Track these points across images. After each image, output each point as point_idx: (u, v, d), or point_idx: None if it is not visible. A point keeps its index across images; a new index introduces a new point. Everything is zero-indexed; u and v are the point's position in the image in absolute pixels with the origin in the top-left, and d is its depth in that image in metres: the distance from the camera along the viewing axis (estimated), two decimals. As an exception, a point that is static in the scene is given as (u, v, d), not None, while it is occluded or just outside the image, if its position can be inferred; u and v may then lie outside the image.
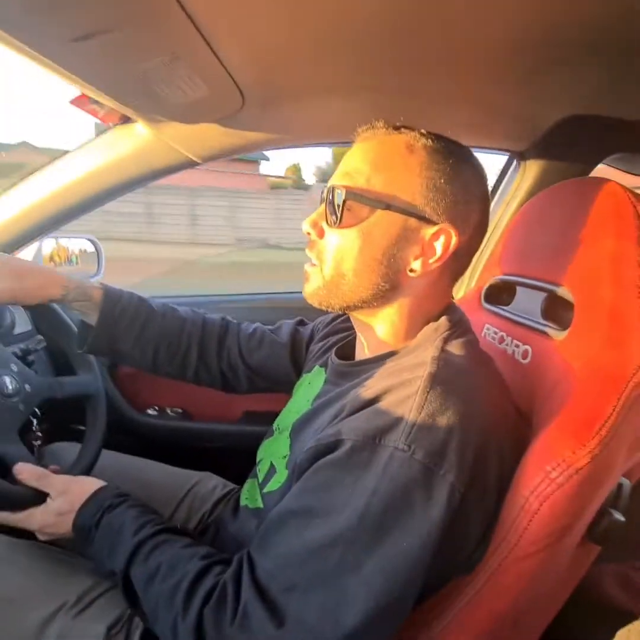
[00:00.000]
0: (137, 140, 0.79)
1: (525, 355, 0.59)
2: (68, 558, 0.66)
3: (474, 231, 0.52)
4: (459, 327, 0.52)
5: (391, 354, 0.52)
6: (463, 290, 1.06)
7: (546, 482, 0.37)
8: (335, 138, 0.92)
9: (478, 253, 1.00)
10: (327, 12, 0.51)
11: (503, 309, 0.68)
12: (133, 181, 0.84)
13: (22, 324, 0.97)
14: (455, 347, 0.49)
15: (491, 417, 0.45)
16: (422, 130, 0.50)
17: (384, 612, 0.39)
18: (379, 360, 0.52)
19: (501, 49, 0.58)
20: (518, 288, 0.66)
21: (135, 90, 0.62)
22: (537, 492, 0.37)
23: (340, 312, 0.67)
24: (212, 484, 0.86)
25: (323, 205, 0.52)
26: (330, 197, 0.50)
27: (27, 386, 0.70)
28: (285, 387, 0.76)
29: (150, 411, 1.11)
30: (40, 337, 0.94)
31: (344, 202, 0.49)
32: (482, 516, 0.42)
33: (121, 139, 0.80)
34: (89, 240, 1.26)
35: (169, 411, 1.12)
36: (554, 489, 0.36)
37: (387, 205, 0.48)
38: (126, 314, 0.71)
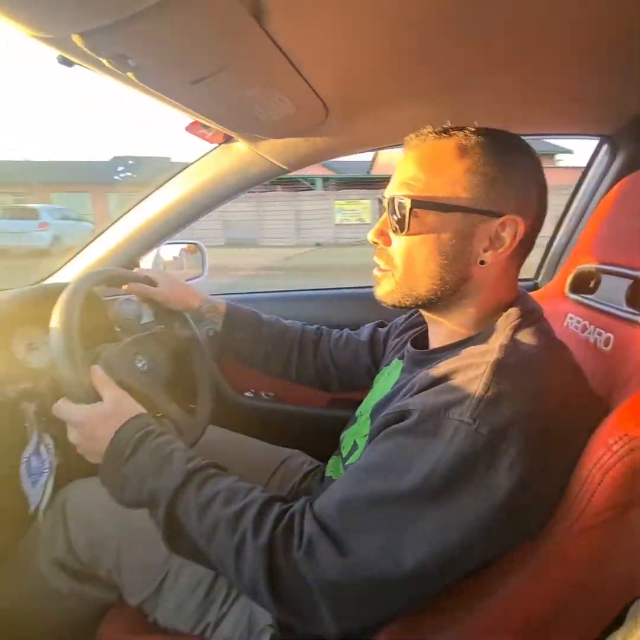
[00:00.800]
0: (237, 155, 0.92)
1: (607, 342, 0.58)
2: None
3: (535, 217, 0.53)
4: (531, 316, 0.53)
5: (464, 342, 0.54)
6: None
7: (608, 454, 0.38)
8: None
9: (561, 243, 0.97)
10: (402, 22, 0.55)
11: (587, 298, 0.67)
12: (234, 190, 0.97)
13: (147, 316, 1.16)
14: (526, 335, 0.50)
15: (559, 401, 0.45)
16: (472, 128, 0.51)
17: (439, 566, 0.42)
18: (452, 348, 0.55)
19: (592, 37, 0.58)
20: (603, 276, 0.64)
21: (237, 115, 0.73)
22: (599, 464, 0.38)
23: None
24: (300, 460, 0.96)
25: (385, 214, 0.54)
26: (393, 207, 0.52)
27: (156, 353, 0.85)
28: (367, 382, 0.83)
29: (247, 394, 1.25)
30: (161, 326, 1.11)
31: (410, 210, 0.51)
32: (545, 493, 0.43)
33: (224, 156, 0.93)
34: (196, 244, 1.44)
35: (263, 394, 1.25)
36: (615, 461, 0.37)
37: (450, 207, 0.50)
38: (244, 321, 0.90)
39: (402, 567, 0.42)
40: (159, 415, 0.90)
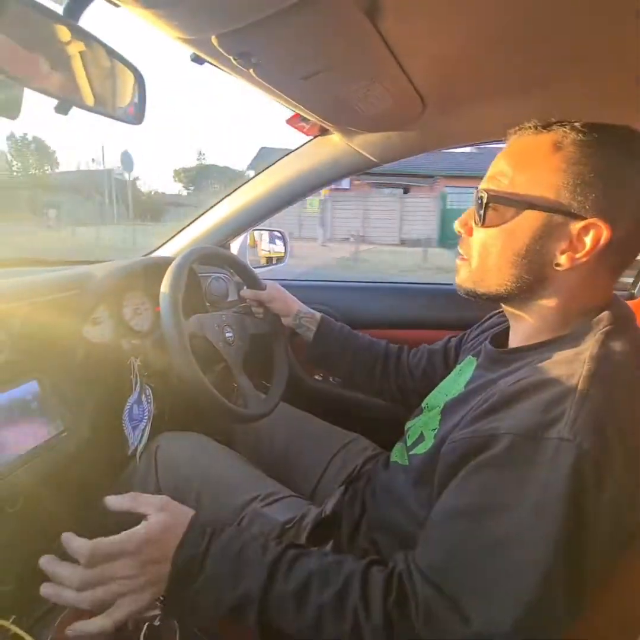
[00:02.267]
0: (331, 147, 0.96)
1: None
2: (252, 466, 0.87)
3: (633, 223, 0.49)
4: (623, 322, 0.51)
5: (545, 344, 0.53)
6: None
7: None
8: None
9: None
10: (500, 13, 0.55)
11: None
12: (325, 181, 1.02)
13: (232, 294, 1.26)
14: (618, 343, 0.47)
15: None
16: (576, 124, 0.49)
17: (571, 602, 0.39)
18: (532, 349, 0.54)
19: None
20: None
21: (338, 109, 0.77)
22: None
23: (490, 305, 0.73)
24: (363, 444, 0.99)
25: (473, 206, 0.56)
26: (477, 200, 0.54)
27: (240, 331, 0.95)
28: None
29: (316, 377, 1.31)
30: (246, 304, 1.21)
31: (487, 204, 0.52)
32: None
33: (319, 148, 0.99)
34: (279, 233, 1.52)
35: (331, 379, 1.30)
36: None
37: (530, 204, 0.50)
38: (335, 332, 0.97)
39: (533, 613, 0.38)
40: (234, 385, 0.99)
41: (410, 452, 0.68)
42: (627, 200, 0.49)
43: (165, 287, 0.75)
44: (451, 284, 1.36)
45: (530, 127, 0.53)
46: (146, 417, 0.86)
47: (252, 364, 0.95)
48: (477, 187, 0.56)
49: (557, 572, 0.38)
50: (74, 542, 0.49)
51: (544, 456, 0.40)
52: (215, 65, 0.63)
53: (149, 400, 0.85)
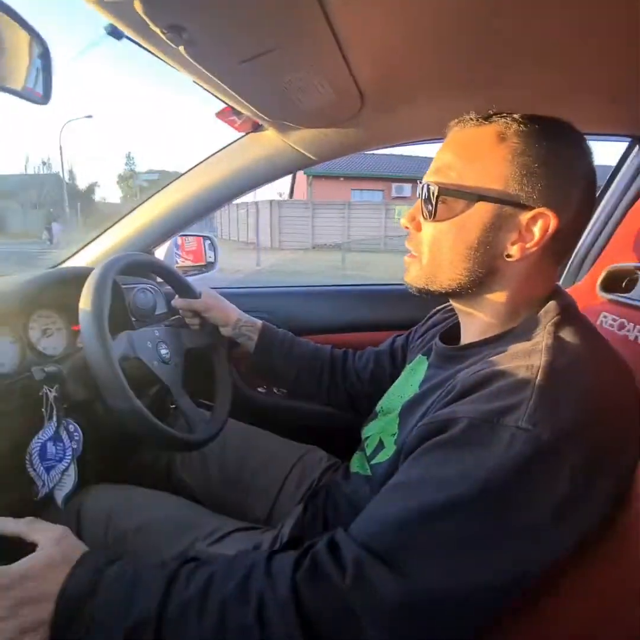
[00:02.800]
0: (265, 144, 0.91)
1: (650, 339, 0.58)
2: (194, 504, 0.78)
3: (577, 211, 0.50)
4: (569, 311, 0.52)
5: (499, 337, 0.53)
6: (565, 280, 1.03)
7: None
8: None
9: (586, 244, 0.97)
10: (447, 13, 0.55)
11: (622, 297, 0.67)
12: (259, 181, 0.95)
13: (161, 307, 1.14)
14: (569, 332, 0.48)
15: (615, 399, 0.44)
16: (516, 116, 0.50)
17: (505, 582, 0.39)
18: (485, 344, 0.54)
19: (630, 33, 0.58)
20: None
21: (276, 100, 0.72)
22: None
23: (439, 305, 0.74)
24: (319, 455, 0.95)
25: (419, 200, 0.54)
26: (425, 193, 0.52)
27: (175, 346, 0.85)
28: None
29: (260, 389, 1.23)
30: (178, 316, 1.10)
31: (437, 197, 0.51)
32: (606, 493, 0.42)
33: (251, 145, 0.92)
34: (208, 238, 1.43)
35: (275, 390, 1.23)
36: None
37: (480, 196, 0.49)
38: (278, 337, 0.92)
39: (468, 587, 0.39)
40: (173, 406, 0.89)
41: (372, 462, 0.66)
42: (570, 189, 0.50)
43: (86, 302, 0.64)
44: (392, 284, 1.39)
45: (471, 119, 0.53)
46: (69, 456, 0.72)
47: (190, 382, 0.86)
48: (419, 181, 0.54)
49: (493, 552, 0.39)
50: None
51: (499, 442, 0.40)
52: (136, 41, 0.54)
53: (76, 437, 0.72)
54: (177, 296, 0.93)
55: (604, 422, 0.42)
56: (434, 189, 0.51)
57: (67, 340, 0.90)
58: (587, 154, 0.51)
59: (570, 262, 1.03)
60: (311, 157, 0.92)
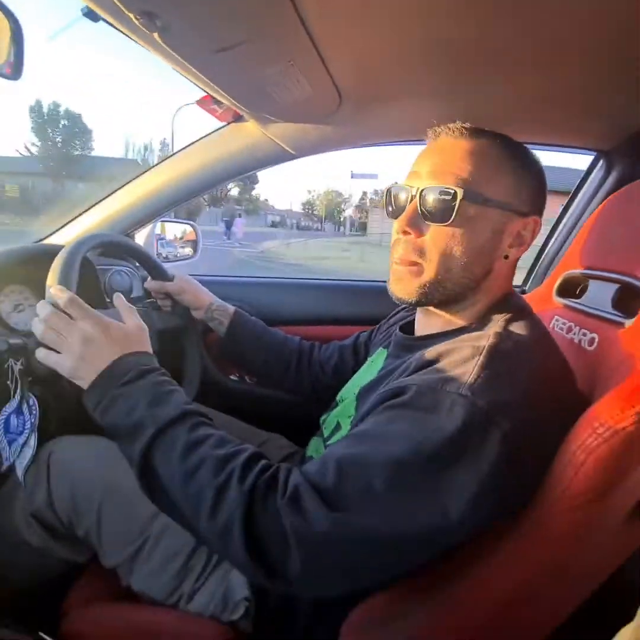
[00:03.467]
0: (246, 136, 0.92)
1: (591, 342, 0.61)
2: None
3: (539, 217, 0.57)
4: (522, 310, 0.56)
5: (455, 331, 0.56)
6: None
7: (593, 437, 0.40)
8: (422, 136, 0.98)
9: (551, 252, 1.00)
10: (424, 18, 0.57)
11: (573, 302, 0.70)
12: (239, 171, 0.97)
13: (137, 290, 1.15)
14: (519, 327, 0.52)
15: (550, 384, 0.49)
16: (498, 133, 0.56)
17: (422, 534, 0.43)
18: (442, 336, 0.57)
19: (601, 50, 0.61)
20: (591, 281, 0.67)
21: (253, 92, 0.73)
22: (584, 445, 0.40)
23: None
24: (280, 443, 0.97)
25: (415, 204, 0.54)
26: (437, 197, 0.52)
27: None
28: None
29: (232, 377, 1.25)
30: (152, 299, 1.11)
31: (460, 200, 0.51)
32: (530, 469, 0.45)
33: (233, 135, 0.94)
34: (190, 225, 1.43)
35: (247, 379, 1.25)
36: (599, 443, 0.39)
37: (486, 200, 0.52)
38: (249, 326, 0.95)
39: (386, 529, 0.43)
40: None
41: (328, 443, 0.68)
42: (543, 199, 0.57)
43: (52, 279, 0.65)
44: (364, 281, 1.41)
45: (466, 128, 0.55)
46: (28, 429, 0.73)
47: (161, 364, 0.87)
48: (432, 185, 0.53)
49: (417, 505, 0.43)
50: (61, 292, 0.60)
51: (441, 406, 0.44)
52: (112, 25, 0.55)
53: (33, 412, 0.73)
54: (149, 279, 0.94)
55: (537, 403, 0.46)
56: (458, 191, 0.51)
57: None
58: (542, 170, 0.58)
59: (537, 267, 1.07)
60: (291, 151, 0.94)
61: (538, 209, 0.56)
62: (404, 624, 0.51)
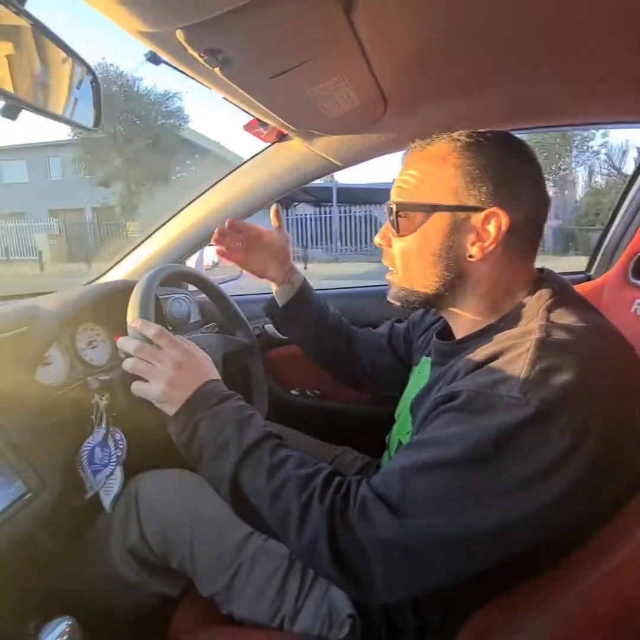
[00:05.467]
0: (292, 153, 0.93)
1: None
2: None
3: (529, 206, 0.55)
4: (562, 294, 0.54)
5: (490, 328, 0.56)
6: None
7: None
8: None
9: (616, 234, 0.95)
10: (463, 13, 0.56)
11: None
12: (285, 189, 0.98)
13: (195, 315, 1.18)
14: (561, 315, 0.51)
15: (607, 370, 0.46)
16: (454, 134, 0.55)
17: (493, 533, 0.43)
18: (480, 335, 0.57)
19: None
20: None
21: (303, 111, 0.74)
22: None
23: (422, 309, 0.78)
24: (352, 456, 0.96)
25: (387, 219, 0.59)
26: (390, 212, 0.58)
27: (212, 352, 0.87)
28: (395, 379, 0.87)
29: (293, 391, 1.26)
30: (213, 323, 1.13)
31: (397, 213, 0.57)
32: (609, 461, 0.43)
33: (278, 154, 0.95)
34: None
35: (308, 392, 1.26)
36: None
37: (434, 206, 0.54)
38: (315, 296, 0.94)
39: (454, 530, 0.44)
40: None
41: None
42: (517, 187, 0.54)
43: (133, 314, 0.67)
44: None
45: (415, 146, 0.59)
46: (114, 462, 0.76)
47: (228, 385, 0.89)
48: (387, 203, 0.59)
49: (482, 504, 0.43)
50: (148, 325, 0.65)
51: (493, 409, 0.44)
52: (174, 65, 0.57)
53: (120, 446, 0.76)
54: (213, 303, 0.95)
55: (598, 391, 0.44)
56: (394, 207, 0.57)
57: (110, 351, 0.94)
58: (529, 156, 0.56)
59: (601, 252, 1.02)
60: (337, 163, 0.94)
61: (505, 200, 0.53)
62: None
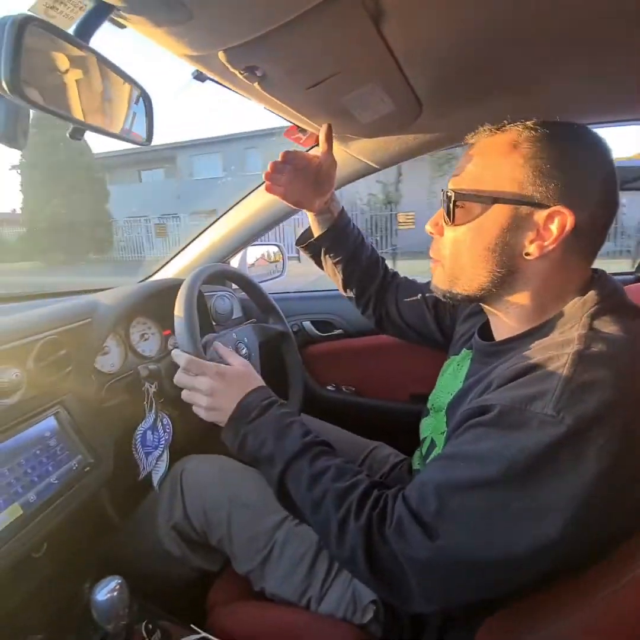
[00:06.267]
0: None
1: None
2: None
3: (596, 207, 0.51)
4: (610, 299, 0.51)
5: (533, 331, 0.54)
6: None
7: None
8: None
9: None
10: (500, 12, 0.56)
11: None
12: (324, 191, 1.01)
13: (237, 311, 1.25)
14: (605, 323, 0.48)
15: None
16: (528, 123, 0.52)
17: (527, 551, 0.42)
18: (522, 338, 0.55)
19: None
20: None
21: (339, 117, 0.77)
22: None
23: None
24: (386, 452, 0.98)
25: (443, 206, 0.57)
26: (446, 199, 0.55)
27: (251, 344, 0.94)
28: (430, 340, 0.90)
29: (329, 387, 1.30)
30: (253, 319, 1.20)
31: (454, 202, 0.54)
32: (633, 472, 0.42)
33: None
34: (277, 246, 1.52)
35: (344, 388, 1.29)
36: None
37: (495, 198, 0.52)
38: (351, 227, 0.93)
39: (488, 551, 0.43)
40: None
41: (427, 461, 0.69)
42: (587, 187, 0.51)
43: (180, 310, 0.73)
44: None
45: (485, 130, 0.56)
46: (162, 445, 0.83)
47: (268, 375, 0.94)
48: (444, 188, 0.57)
49: (516, 524, 0.42)
50: (178, 354, 0.71)
51: (527, 427, 0.42)
52: (218, 82, 0.62)
53: (168, 430, 0.83)
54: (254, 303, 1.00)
55: (634, 405, 0.42)
56: (452, 194, 0.55)
57: (160, 344, 1.03)
58: (602, 153, 0.52)
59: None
60: (373, 165, 0.97)
61: (573, 198, 0.50)
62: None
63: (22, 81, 0.36)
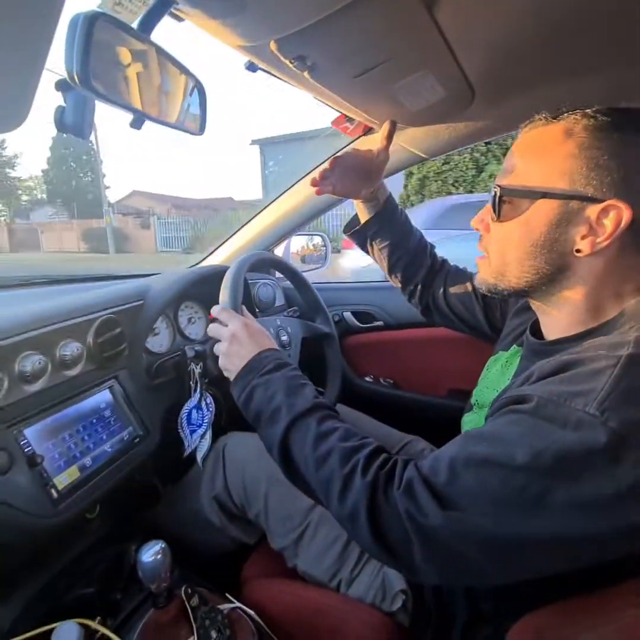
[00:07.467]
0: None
1: None
2: None
3: None
4: None
5: (591, 332, 0.51)
6: None
7: None
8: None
9: None
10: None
11: None
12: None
13: (280, 299, 1.28)
14: None
15: None
16: (588, 110, 0.48)
17: (540, 543, 0.40)
18: (576, 339, 0.52)
19: None
20: None
21: (388, 106, 0.76)
22: None
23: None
24: (421, 445, 0.97)
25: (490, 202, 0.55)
26: (492, 195, 0.54)
27: (293, 334, 0.97)
28: (476, 330, 0.88)
29: (367, 378, 1.30)
30: (295, 308, 1.22)
31: (500, 197, 0.53)
32: None
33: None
34: (320, 236, 1.53)
35: (382, 380, 1.29)
36: None
37: (543, 193, 0.49)
38: (399, 213, 0.93)
39: (499, 532, 0.41)
40: None
41: None
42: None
43: (224, 295, 0.76)
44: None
45: (540, 118, 0.52)
46: (206, 423, 0.87)
47: (302, 370, 0.96)
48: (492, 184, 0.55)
49: (534, 512, 0.40)
50: (215, 307, 0.74)
51: (564, 421, 0.40)
52: (269, 72, 0.64)
53: (211, 409, 0.87)
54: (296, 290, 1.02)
55: None
56: (498, 190, 0.53)
57: (205, 327, 1.07)
58: None
59: None
60: (421, 154, 0.95)
61: (630, 191, 0.46)
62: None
63: (90, 74, 0.39)
